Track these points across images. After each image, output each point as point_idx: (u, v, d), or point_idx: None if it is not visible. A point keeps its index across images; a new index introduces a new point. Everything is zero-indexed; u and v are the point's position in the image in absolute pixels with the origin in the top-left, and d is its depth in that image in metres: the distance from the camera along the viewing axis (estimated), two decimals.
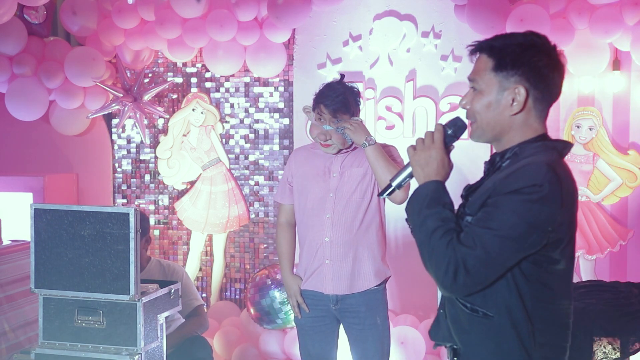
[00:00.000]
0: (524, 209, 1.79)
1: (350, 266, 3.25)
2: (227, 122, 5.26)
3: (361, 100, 3.34)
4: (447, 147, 2.00)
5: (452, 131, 2.01)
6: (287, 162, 3.50)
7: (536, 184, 1.79)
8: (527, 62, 1.88)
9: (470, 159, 4.71)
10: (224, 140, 5.27)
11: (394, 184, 2.10)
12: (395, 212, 4.65)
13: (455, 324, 2.00)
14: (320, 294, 3.31)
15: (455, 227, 1.87)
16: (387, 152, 3.29)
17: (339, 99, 3.19)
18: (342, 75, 3.32)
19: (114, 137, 5.45)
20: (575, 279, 2.94)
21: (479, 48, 1.96)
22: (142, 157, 5.40)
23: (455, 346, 2.02)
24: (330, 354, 3.41)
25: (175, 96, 5.30)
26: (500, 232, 1.80)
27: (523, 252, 1.83)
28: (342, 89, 3.22)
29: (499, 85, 1.91)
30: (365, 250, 3.27)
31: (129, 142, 5.43)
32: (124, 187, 5.45)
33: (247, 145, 5.24)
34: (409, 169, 2.05)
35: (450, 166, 2.00)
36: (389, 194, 2.14)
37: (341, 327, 3.42)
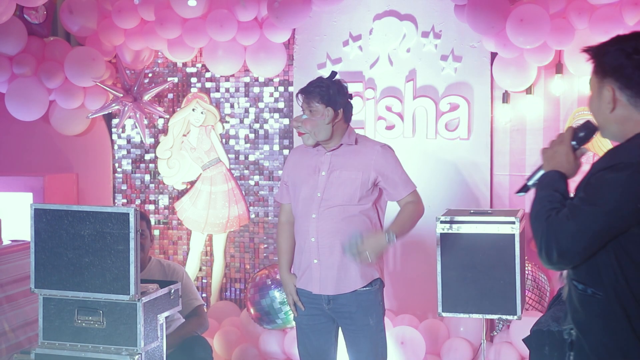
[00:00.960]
0: (614, 185, 1.90)
1: (336, 267, 3.25)
2: (227, 122, 5.26)
3: (356, 98, 3.34)
4: (577, 148, 2.13)
5: (583, 134, 2.13)
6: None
7: (624, 161, 1.90)
8: (614, 63, 2.00)
9: (470, 160, 4.71)
10: (224, 140, 5.26)
11: (530, 183, 2.23)
12: (396, 213, 4.64)
13: (569, 305, 2.08)
14: (311, 293, 3.32)
15: (559, 207, 1.99)
16: (386, 158, 3.29)
17: (316, 90, 3.23)
18: (334, 73, 3.35)
19: (114, 137, 5.45)
20: None
21: (589, 53, 2.08)
22: (140, 155, 5.40)
23: (573, 329, 2.09)
24: (329, 353, 3.41)
25: (171, 95, 5.31)
26: (591, 207, 1.91)
27: (615, 227, 1.91)
28: (327, 82, 3.27)
29: (597, 86, 2.05)
30: None
31: (129, 142, 5.43)
32: (124, 187, 5.45)
33: (247, 145, 5.24)
34: (542, 170, 2.19)
35: (577, 164, 2.12)
36: (525, 192, 2.27)
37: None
